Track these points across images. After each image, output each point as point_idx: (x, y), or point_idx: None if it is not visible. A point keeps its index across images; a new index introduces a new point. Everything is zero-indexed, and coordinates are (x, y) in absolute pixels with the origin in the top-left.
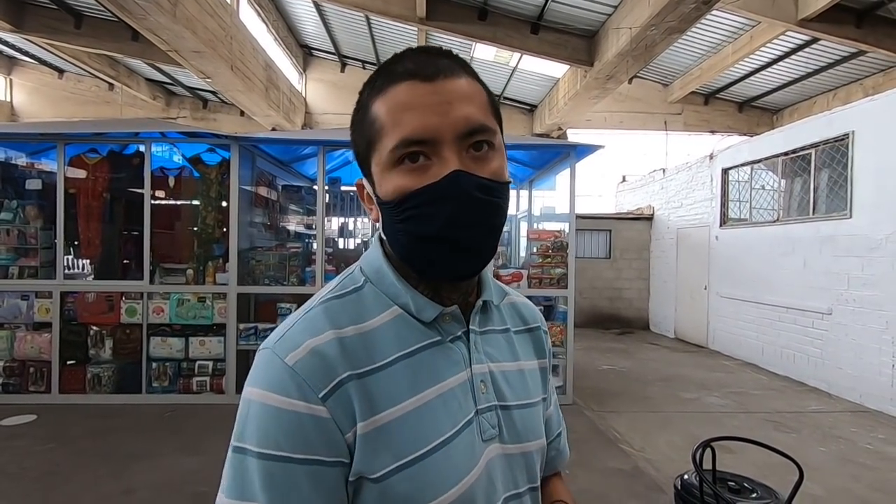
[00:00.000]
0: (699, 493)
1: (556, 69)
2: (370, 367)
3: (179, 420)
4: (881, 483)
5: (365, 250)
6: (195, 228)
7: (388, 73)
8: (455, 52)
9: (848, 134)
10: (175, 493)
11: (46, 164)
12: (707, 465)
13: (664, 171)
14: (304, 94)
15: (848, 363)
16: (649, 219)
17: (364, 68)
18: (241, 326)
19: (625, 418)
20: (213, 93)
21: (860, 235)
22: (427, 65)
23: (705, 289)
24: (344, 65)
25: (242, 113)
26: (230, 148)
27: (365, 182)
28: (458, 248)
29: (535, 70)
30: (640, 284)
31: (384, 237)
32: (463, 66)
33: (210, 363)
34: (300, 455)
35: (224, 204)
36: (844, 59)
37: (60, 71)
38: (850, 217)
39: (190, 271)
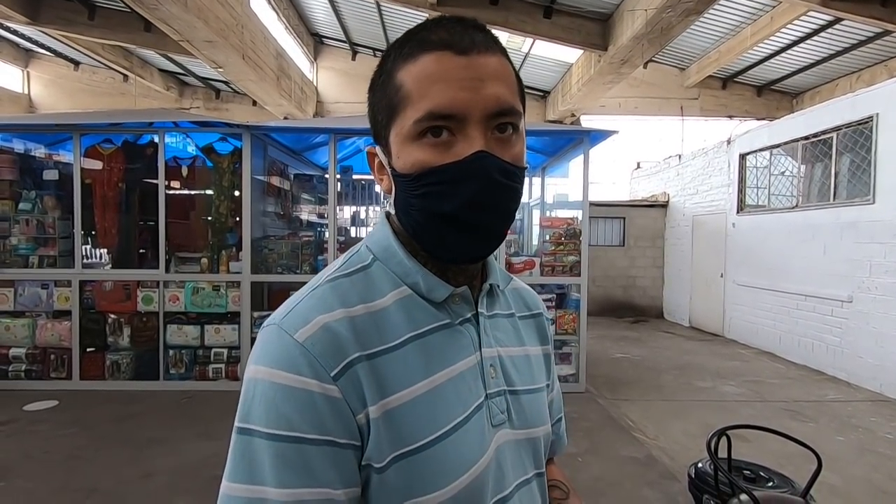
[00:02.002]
0: (714, 481)
1: (570, 54)
2: (382, 348)
3: (196, 406)
4: None
5: None
6: (209, 217)
7: (419, 40)
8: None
9: (872, 116)
10: (193, 477)
11: (63, 155)
12: (722, 453)
13: (680, 157)
14: (315, 83)
15: (868, 352)
16: (664, 206)
17: (375, 56)
18: (255, 314)
19: (638, 406)
20: (226, 83)
21: (884, 221)
22: (462, 37)
23: (721, 277)
24: (355, 53)
25: (254, 103)
26: (242, 137)
27: (378, 150)
28: (473, 230)
29: (548, 55)
30: (655, 272)
31: (392, 211)
32: (497, 43)
33: (225, 350)
34: (314, 435)
35: (237, 193)
36: (869, 40)
37: (76, 63)
38: (874, 202)
39: (204, 260)
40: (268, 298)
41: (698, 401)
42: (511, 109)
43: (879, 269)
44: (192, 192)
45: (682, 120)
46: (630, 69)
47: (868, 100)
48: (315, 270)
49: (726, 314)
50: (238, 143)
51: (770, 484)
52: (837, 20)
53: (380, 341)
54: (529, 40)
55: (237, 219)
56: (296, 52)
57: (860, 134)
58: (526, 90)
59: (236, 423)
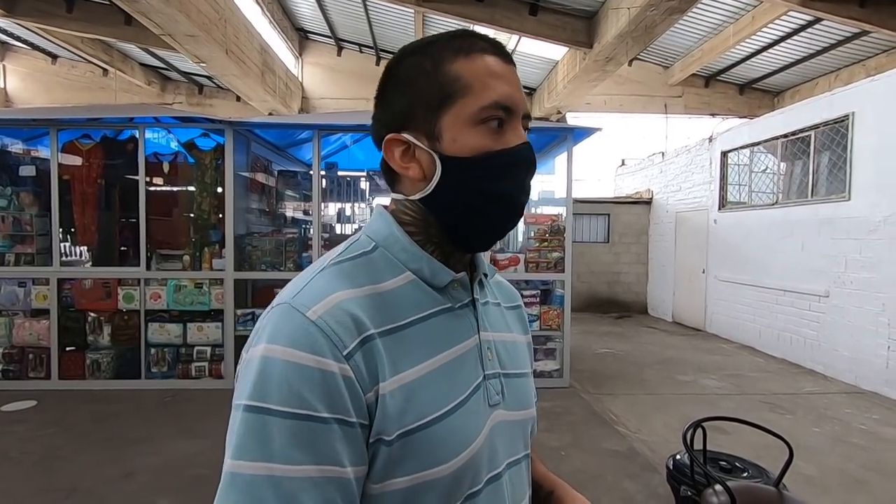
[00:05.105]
0: (690, 472)
1: (556, 51)
2: (391, 326)
3: (179, 405)
4: (874, 463)
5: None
6: (191, 214)
7: (468, 43)
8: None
9: (848, 115)
10: (175, 475)
11: (41, 151)
12: (701, 445)
13: (663, 154)
14: (300, 79)
15: (844, 345)
16: (648, 203)
17: (361, 52)
18: (239, 312)
19: (621, 401)
20: (209, 78)
21: (858, 218)
22: (501, 49)
23: (703, 272)
24: (340, 49)
25: (239, 98)
26: (224, 133)
27: (409, 137)
28: (514, 209)
29: (534, 52)
30: (639, 268)
31: (394, 204)
32: None
33: (208, 349)
34: (326, 413)
35: (219, 189)
36: (847, 40)
37: (54, 56)
38: (849, 199)
39: (186, 257)
40: (251, 296)
41: (680, 394)
42: (529, 115)
43: (855, 264)
44: (174, 189)
45: (666, 117)
46: (615, 67)
47: (845, 98)
48: (300, 267)
49: (708, 309)
50: (220, 139)
51: (745, 474)
52: (817, 20)
53: (390, 320)
54: (515, 37)
55: (220, 215)
56: (280, 48)
57: (837, 132)
58: None
59: (244, 401)
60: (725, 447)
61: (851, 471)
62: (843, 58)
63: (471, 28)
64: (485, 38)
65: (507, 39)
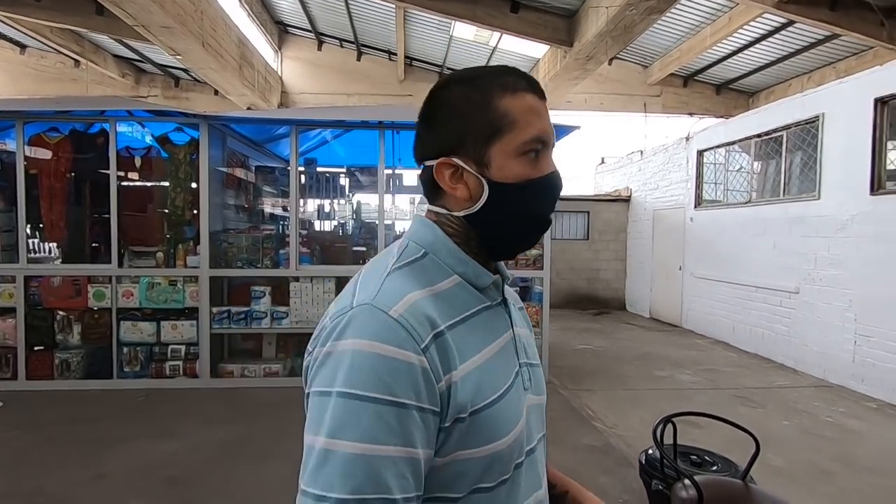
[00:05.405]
0: (661, 466)
1: (537, 49)
2: (454, 321)
3: (152, 405)
4: (840, 454)
5: (349, 232)
6: (164, 210)
7: (514, 82)
8: (435, 30)
9: (818, 116)
10: (148, 477)
11: (7, 144)
12: (676, 439)
13: (642, 152)
14: (280, 73)
15: (813, 340)
16: (627, 200)
17: (342, 46)
18: (215, 310)
19: (599, 396)
20: (186, 71)
21: (827, 216)
22: (538, 87)
23: (680, 269)
24: (321, 43)
25: (216, 92)
26: (199, 127)
27: (459, 162)
28: (545, 225)
29: (516, 50)
30: (618, 265)
31: (435, 217)
32: None
33: (183, 347)
34: (408, 400)
35: (194, 185)
36: (819, 42)
37: (22, 46)
38: (819, 198)
39: (160, 254)
40: (227, 293)
41: (656, 389)
42: (556, 144)
43: (823, 261)
44: (147, 184)
45: (645, 116)
46: (595, 65)
47: (816, 100)
48: (276, 264)
49: (684, 305)
50: (195, 134)
51: (714, 468)
52: (790, 22)
53: (450, 316)
54: (497, 35)
55: (195, 211)
56: (259, 41)
57: (808, 132)
58: None
59: (337, 388)
60: (699, 441)
61: (818, 462)
62: (815, 60)
63: (453, 23)
64: (525, 76)
65: (489, 37)
